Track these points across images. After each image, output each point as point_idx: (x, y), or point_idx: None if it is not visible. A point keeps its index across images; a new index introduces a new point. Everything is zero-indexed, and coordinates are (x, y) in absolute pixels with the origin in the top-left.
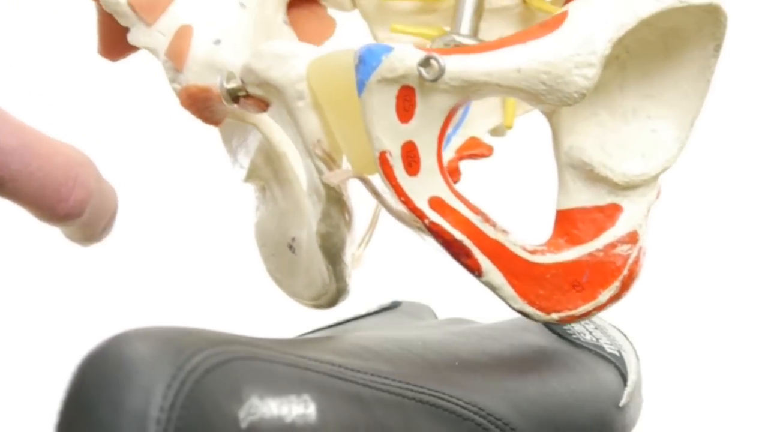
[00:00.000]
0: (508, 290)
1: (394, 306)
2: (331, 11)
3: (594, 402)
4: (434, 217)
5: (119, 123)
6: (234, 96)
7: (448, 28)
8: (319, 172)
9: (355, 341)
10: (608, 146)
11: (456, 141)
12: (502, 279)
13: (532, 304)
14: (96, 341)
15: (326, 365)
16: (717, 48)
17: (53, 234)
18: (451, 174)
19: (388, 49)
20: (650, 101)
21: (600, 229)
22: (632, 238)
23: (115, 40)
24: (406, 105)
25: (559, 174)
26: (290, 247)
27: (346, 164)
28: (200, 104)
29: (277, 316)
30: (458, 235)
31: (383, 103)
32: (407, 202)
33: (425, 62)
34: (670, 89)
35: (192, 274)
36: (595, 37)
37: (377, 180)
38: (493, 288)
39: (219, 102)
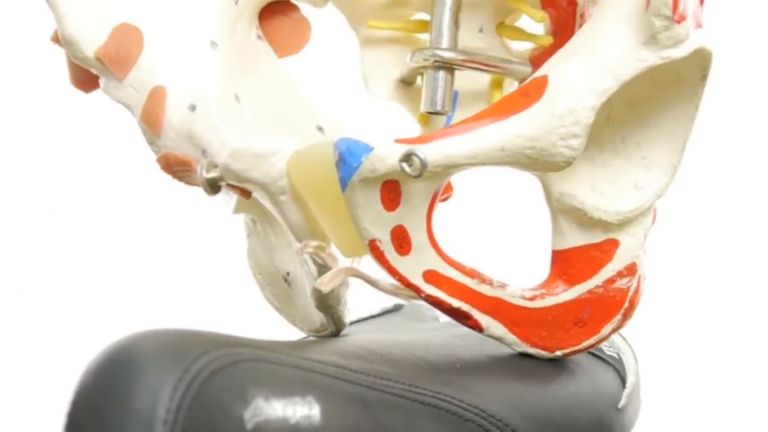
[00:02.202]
0: (511, 338)
1: (396, 309)
2: (308, 12)
3: (593, 404)
4: (430, 290)
5: (124, 125)
6: (214, 185)
7: (426, 16)
8: (319, 271)
9: (359, 343)
10: (599, 185)
11: None
12: (504, 329)
13: (535, 345)
14: (103, 343)
15: (330, 367)
16: (704, 77)
17: (60, 237)
18: (444, 190)
19: (368, 149)
20: (639, 128)
21: (598, 266)
22: (631, 270)
23: (86, 75)
24: (391, 195)
25: (552, 218)
26: (285, 280)
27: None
28: (180, 172)
29: (280, 318)
30: (456, 302)
31: (368, 198)
32: (402, 280)
33: (407, 158)
34: (658, 114)
35: (197, 276)
36: (579, 106)
37: (369, 262)
38: (495, 338)
39: (197, 164)
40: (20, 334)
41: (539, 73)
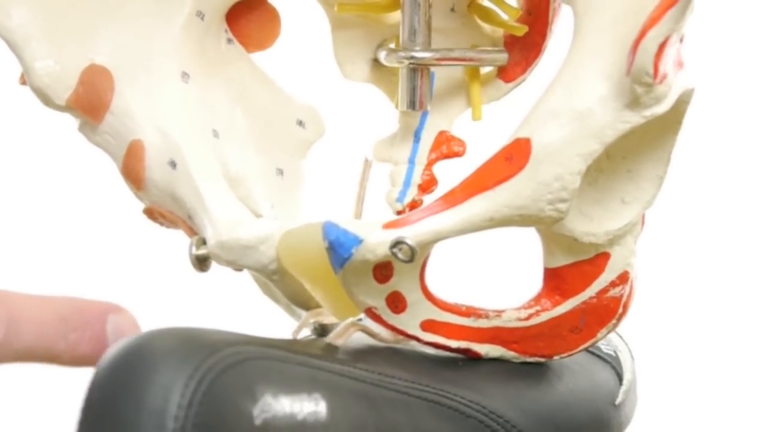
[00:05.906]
0: (509, 354)
1: None
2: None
3: (591, 400)
4: (429, 337)
5: None
6: (203, 261)
7: None
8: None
9: (363, 341)
10: (587, 207)
11: (426, 136)
12: (502, 350)
13: (533, 355)
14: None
15: (336, 365)
16: (686, 101)
17: (71, 237)
18: (430, 184)
19: (357, 241)
20: (623, 141)
21: (590, 279)
22: (623, 278)
23: None
24: (383, 271)
25: (541, 241)
26: None
27: None
28: (167, 224)
29: (282, 316)
30: (454, 343)
31: (361, 278)
32: (401, 333)
33: (396, 244)
34: (642, 126)
35: (206, 276)
36: (565, 173)
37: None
38: (495, 358)
39: (185, 224)
40: None
41: (521, 133)
